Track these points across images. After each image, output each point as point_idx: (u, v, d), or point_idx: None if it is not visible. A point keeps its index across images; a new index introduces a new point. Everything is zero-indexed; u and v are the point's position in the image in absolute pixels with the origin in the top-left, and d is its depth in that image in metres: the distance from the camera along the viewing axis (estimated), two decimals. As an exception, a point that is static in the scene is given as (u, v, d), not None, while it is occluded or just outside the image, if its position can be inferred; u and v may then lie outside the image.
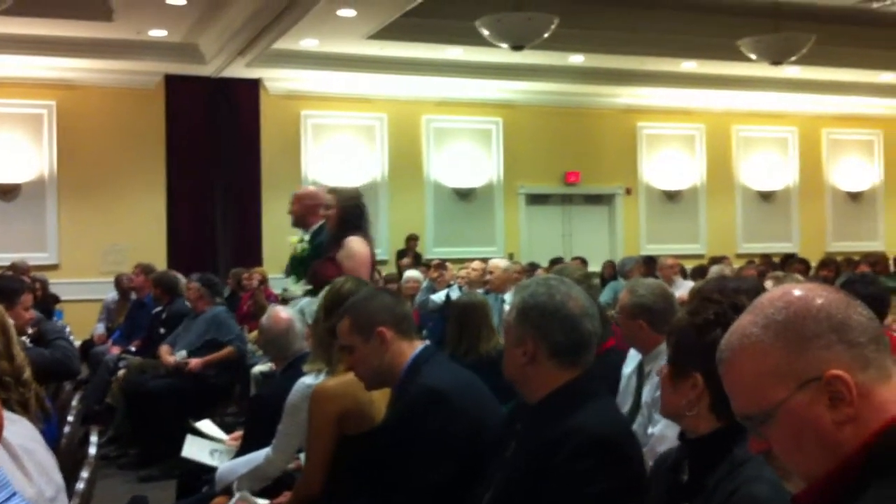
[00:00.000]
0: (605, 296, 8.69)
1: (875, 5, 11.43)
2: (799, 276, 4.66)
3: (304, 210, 5.34)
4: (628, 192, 14.31)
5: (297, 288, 5.18)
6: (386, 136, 13.09)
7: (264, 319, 4.03)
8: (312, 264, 5.01)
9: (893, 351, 1.43)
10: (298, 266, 5.25)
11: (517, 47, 9.38)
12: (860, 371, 1.36)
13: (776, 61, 10.63)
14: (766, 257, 12.04)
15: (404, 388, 2.67)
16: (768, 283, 4.68)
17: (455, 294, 7.49)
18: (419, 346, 2.78)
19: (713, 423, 1.99)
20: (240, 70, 11.58)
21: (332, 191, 5.33)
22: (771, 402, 1.38)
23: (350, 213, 5.01)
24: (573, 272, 4.30)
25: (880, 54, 12.54)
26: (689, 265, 10.95)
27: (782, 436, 1.40)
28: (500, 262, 7.94)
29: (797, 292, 1.43)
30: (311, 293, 4.76)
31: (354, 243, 4.87)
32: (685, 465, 2.03)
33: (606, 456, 2.19)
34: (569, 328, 2.34)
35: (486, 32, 9.26)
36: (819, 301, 1.41)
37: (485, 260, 8.11)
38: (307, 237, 5.29)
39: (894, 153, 15.81)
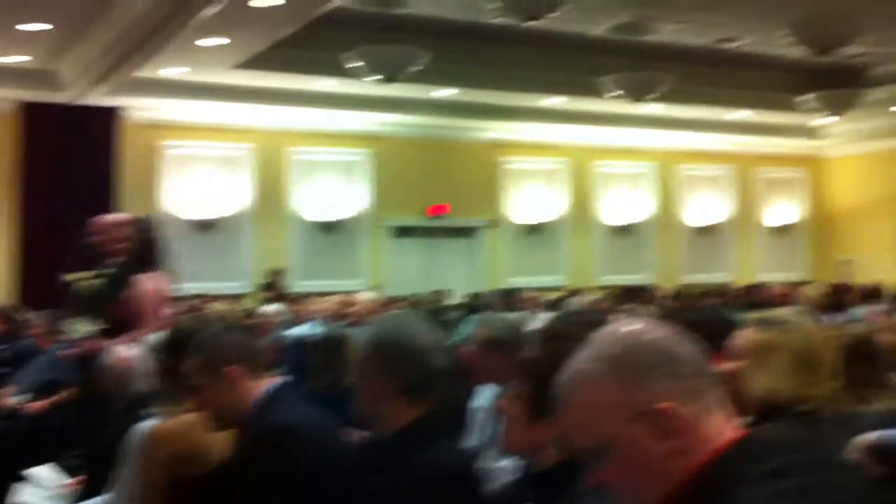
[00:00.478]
0: (469, 328, 8.73)
1: (729, 46, 12.00)
2: (651, 308, 4.79)
3: (101, 242, 4.99)
4: (493, 225, 14.51)
5: (85, 328, 4.78)
6: (251, 167, 12.89)
7: (103, 359, 3.85)
8: (108, 303, 4.70)
9: (726, 384, 1.48)
10: (90, 303, 4.88)
11: (388, 80, 9.47)
12: (689, 403, 1.40)
13: (636, 98, 11.03)
14: (622, 288, 12.39)
15: (251, 427, 2.60)
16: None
17: (314, 328, 7.40)
18: (271, 382, 2.72)
19: (557, 455, 2.01)
20: (98, 98, 11.20)
21: (133, 221, 5.04)
22: (606, 435, 1.40)
23: (144, 246, 4.79)
24: (427, 305, 4.30)
25: (731, 93, 13.17)
26: (550, 297, 11.17)
27: (617, 468, 1.42)
28: (364, 296, 7.93)
29: (631, 327, 1.48)
30: (108, 333, 4.48)
31: (144, 281, 4.64)
32: (527, 500, 2.04)
33: (453, 492, 2.19)
34: (417, 365, 2.33)
35: (356, 64, 9.30)
36: (651, 336, 1.45)
37: (349, 293, 8.07)
38: (105, 271, 4.94)
39: (743, 188, 16.55)
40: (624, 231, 15.50)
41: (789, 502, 1.39)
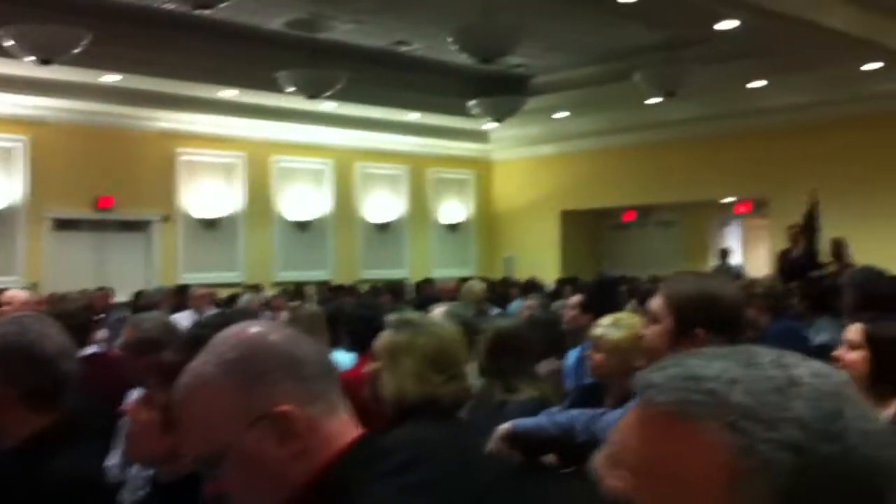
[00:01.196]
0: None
1: (402, 49, 12.39)
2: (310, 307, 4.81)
3: None
4: (166, 219, 13.95)
5: None
6: None
7: None
8: None
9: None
10: None
11: (45, 61, 8.84)
12: (308, 405, 1.37)
13: (313, 95, 11.07)
14: (298, 285, 12.39)
15: None
16: (283, 315, 4.81)
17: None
18: None
19: (188, 466, 1.92)
20: None
21: None
22: (222, 441, 1.35)
23: None
24: (69, 305, 4.02)
25: (406, 95, 13.61)
26: (226, 293, 10.93)
27: (236, 476, 1.36)
28: (18, 294, 7.25)
29: (251, 330, 1.43)
30: None
31: None
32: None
33: (87, 499, 2.04)
34: (42, 370, 2.15)
35: (10, 43, 8.59)
36: (271, 338, 1.41)
37: (2, 290, 7.34)
38: None
39: (418, 187, 17.17)
40: (303, 227, 15.50)
41: (411, 496, 1.40)
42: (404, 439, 2.39)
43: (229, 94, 12.78)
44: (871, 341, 3.17)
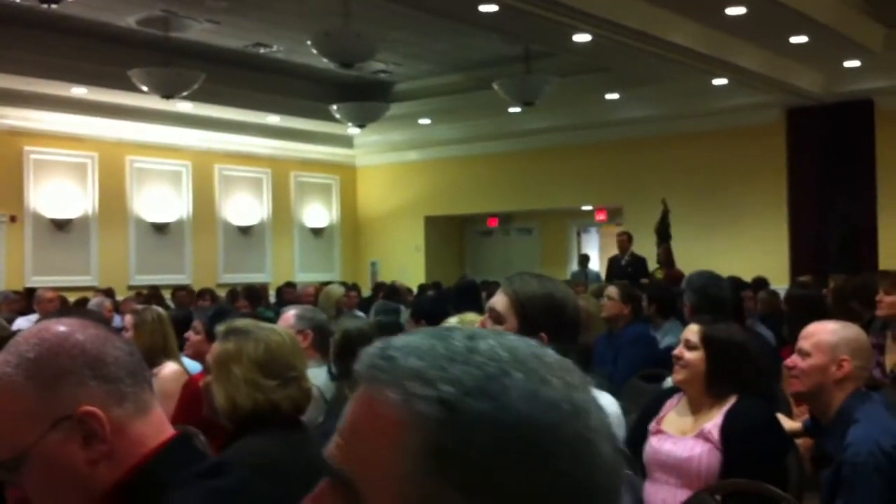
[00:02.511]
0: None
1: (261, 51, 12.23)
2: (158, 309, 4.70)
3: None
4: (13, 219, 13.33)
5: None
6: None
7: None
8: None
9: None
10: None
11: None
12: (116, 406, 1.35)
13: (167, 95, 10.79)
14: (153, 288, 12.06)
15: None
16: (129, 318, 4.68)
17: None
18: None
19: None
20: None
21: None
22: (22, 444, 1.30)
23: None
24: None
25: (267, 98, 13.43)
26: (76, 297, 10.55)
27: (37, 480, 1.32)
28: None
29: (54, 328, 1.38)
30: None
31: None
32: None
33: None
34: None
35: None
36: (77, 337, 1.37)
37: None
38: None
39: (280, 191, 16.96)
40: (160, 229, 15.07)
41: (221, 500, 1.39)
42: (245, 452, 2.37)
43: (80, 91, 12.32)
44: (707, 342, 3.33)
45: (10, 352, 1.35)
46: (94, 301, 7.81)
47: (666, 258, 11.77)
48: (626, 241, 11.96)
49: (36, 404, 1.31)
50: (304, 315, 4.48)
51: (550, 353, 0.88)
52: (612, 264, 12.08)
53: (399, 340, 0.86)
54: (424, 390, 0.80)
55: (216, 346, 2.69)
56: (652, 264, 12.02)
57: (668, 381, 3.96)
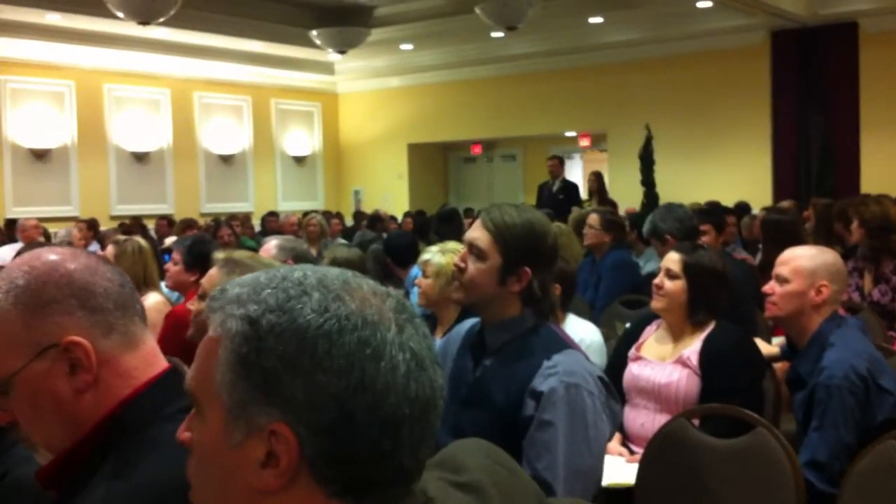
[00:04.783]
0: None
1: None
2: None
3: None
4: (-9, 150, 13.19)
5: None
6: None
7: None
8: None
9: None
10: None
11: None
12: (103, 337, 1.36)
13: (144, 21, 10.56)
14: (135, 219, 12.02)
15: None
16: (109, 249, 4.67)
17: None
18: None
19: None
20: None
21: None
22: (7, 370, 1.33)
23: None
24: None
25: (246, 23, 13.18)
26: (58, 227, 10.50)
27: (23, 406, 1.35)
28: None
29: (46, 257, 1.39)
30: None
31: None
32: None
33: None
34: None
35: None
36: (67, 266, 1.37)
37: None
38: None
39: (261, 119, 16.78)
40: (140, 158, 14.92)
41: None
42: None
43: (54, 18, 12.06)
44: (688, 270, 3.35)
45: (1, 278, 1.36)
46: (62, 232, 7.73)
47: (598, 186, 11.27)
48: (557, 165, 11.31)
49: (23, 331, 1.32)
50: (285, 246, 4.47)
51: (364, 281, 1.01)
52: (542, 191, 11.40)
53: (239, 279, 1.01)
54: (237, 311, 0.96)
55: (218, 275, 2.70)
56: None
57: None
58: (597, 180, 11.24)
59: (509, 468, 1.17)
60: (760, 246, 7.03)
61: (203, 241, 4.75)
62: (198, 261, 4.39)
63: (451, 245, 3.91)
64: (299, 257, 4.47)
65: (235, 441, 0.95)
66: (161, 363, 1.43)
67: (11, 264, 1.39)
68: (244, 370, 0.94)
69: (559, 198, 10.75)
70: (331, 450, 0.93)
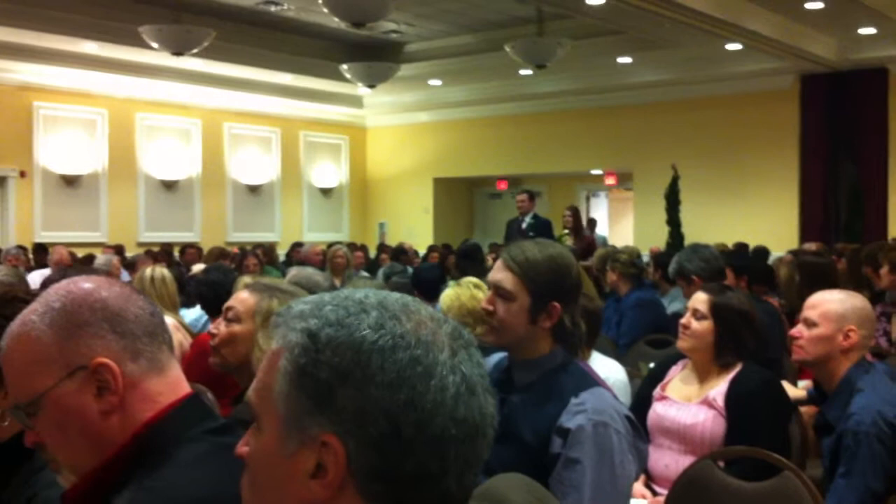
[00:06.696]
0: None
1: (272, 9, 12.14)
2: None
3: None
4: (23, 175, 13.35)
5: None
6: None
7: None
8: None
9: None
10: None
11: None
12: (131, 362, 1.40)
13: (177, 52, 10.75)
14: (165, 246, 12.12)
15: None
16: (136, 276, 4.74)
17: None
18: None
19: (14, 428, 1.88)
20: None
21: None
22: (38, 389, 1.36)
23: None
24: None
25: (277, 56, 13.36)
26: (85, 252, 10.61)
27: (50, 426, 1.38)
28: None
29: (82, 284, 1.44)
30: None
31: None
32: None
33: None
34: None
35: None
36: (100, 293, 1.42)
37: None
38: None
39: (290, 150, 16.93)
40: (169, 186, 15.09)
41: (222, 458, 1.42)
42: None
43: (90, 47, 12.27)
44: (715, 311, 3.33)
45: (39, 302, 1.42)
46: (102, 258, 7.84)
47: (574, 223, 10.55)
48: (526, 201, 10.25)
49: (55, 352, 1.37)
50: (300, 281, 4.42)
51: (422, 306, 1.05)
52: (511, 228, 10.41)
53: (304, 297, 1.06)
54: (299, 324, 1.00)
55: (255, 300, 2.74)
56: (558, 230, 10.91)
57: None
58: (573, 216, 10.63)
59: None
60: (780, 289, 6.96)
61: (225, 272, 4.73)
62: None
63: (467, 279, 3.91)
64: (310, 291, 4.45)
65: (288, 451, 0.99)
66: (184, 388, 1.46)
67: (50, 289, 1.44)
68: (300, 381, 0.98)
69: (528, 235, 9.69)
70: (377, 465, 0.96)
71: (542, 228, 9.98)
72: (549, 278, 2.30)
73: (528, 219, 10.23)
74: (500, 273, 2.35)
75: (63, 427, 1.37)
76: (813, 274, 5.75)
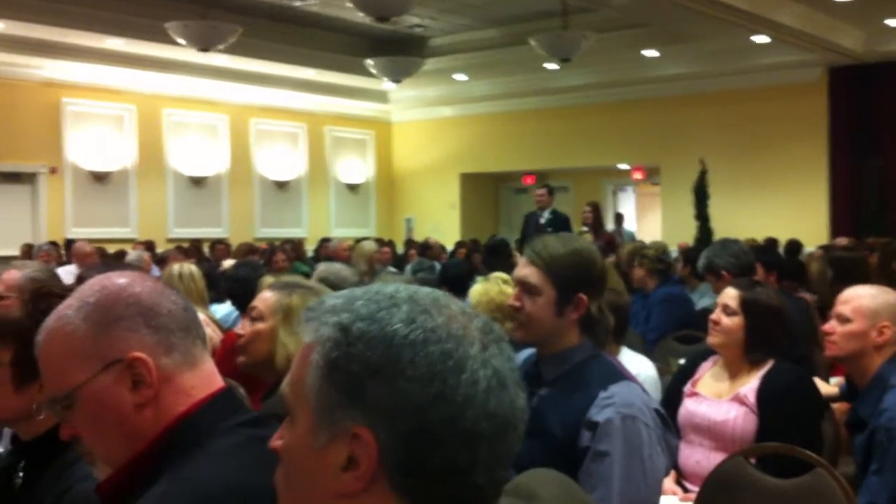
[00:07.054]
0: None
1: (296, 4, 12.17)
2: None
3: None
4: (53, 171, 13.48)
5: None
6: None
7: None
8: None
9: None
10: None
11: None
12: (164, 356, 1.42)
13: (204, 48, 10.80)
14: (195, 241, 12.19)
15: None
16: (166, 271, 4.79)
17: None
18: None
19: (49, 422, 1.89)
20: None
21: None
22: (73, 383, 1.38)
23: None
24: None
25: (303, 51, 13.39)
26: (115, 248, 10.69)
27: (85, 419, 1.40)
28: None
29: (117, 279, 1.46)
30: None
31: None
32: (19, 469, 1.91)
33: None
34: None
35: None
36: (134, 288, 1.45)
37: None
38: None
39: (316, 146, 16.97)
40: (197, 183, 15.18)
41: (254, 449, 1.43)
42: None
43: (117, 43, 12.35)
44: (746, 307, 3.30)
45: (74, 297, 1.44)
46: (134, 254, 7.91)
47: (594, 219, 10.30)
48: (545, 195, 10.15)
49: (90, 346, 1.39)
50: (328, 277, 4.42)
51: (453, 301, 1.05)
52: (528, 222, 10.30)
53: (336, 293, 1.07)
54: (331, 319, 1.01)
55: (276, 297, 2.77)
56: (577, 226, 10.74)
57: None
58: (593, 212, 10.39)
59: (580, 500, 1.18)
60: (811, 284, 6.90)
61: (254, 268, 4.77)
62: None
63: (495, 274, 3.92)
64: (335, 286, 4.44)
65: (320, 444, 1.00)
66: (218, 382, 1.48)
67: (84, 285, 1.47)
68: (332, 374, 1.00)
69: (547, 230, 9.37)
70: (409, 458, 0.97)
71: (560, 224, 9.80)
72: (573, 271, 2.32)
73: (546, 213, 10.11)
74: (524, 269, 2.37)
75: (98, 420, 1.39)
76: (845, 269, 5.68)
